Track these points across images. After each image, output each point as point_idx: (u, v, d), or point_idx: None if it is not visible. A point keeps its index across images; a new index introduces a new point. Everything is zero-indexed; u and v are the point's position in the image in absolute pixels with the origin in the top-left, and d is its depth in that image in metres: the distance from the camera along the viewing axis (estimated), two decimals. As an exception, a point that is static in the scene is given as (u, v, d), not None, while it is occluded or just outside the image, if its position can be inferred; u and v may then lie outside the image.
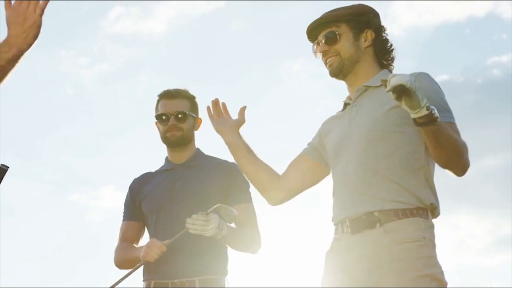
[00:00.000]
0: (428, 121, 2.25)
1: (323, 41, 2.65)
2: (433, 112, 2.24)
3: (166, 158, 3.43)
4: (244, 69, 8.50)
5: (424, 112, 2.23)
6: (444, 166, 2.44)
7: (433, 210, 2.51)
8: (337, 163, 2.61)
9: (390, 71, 2.70)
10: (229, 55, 8.28)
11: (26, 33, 2.16)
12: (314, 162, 2.76)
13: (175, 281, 3.14)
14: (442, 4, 8.91)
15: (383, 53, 2.69)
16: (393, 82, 2.18)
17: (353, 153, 2.53)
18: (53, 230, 8.04)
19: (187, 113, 3.31)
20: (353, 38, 2.64)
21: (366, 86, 2.63)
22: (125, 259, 3.27)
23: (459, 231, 9.06)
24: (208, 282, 3.14)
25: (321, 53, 2.68)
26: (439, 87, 2.56)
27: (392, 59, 2.72)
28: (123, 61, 8.83)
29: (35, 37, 2.17)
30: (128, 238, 3.37)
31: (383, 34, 2.69)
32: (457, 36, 9.08)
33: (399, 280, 2.36)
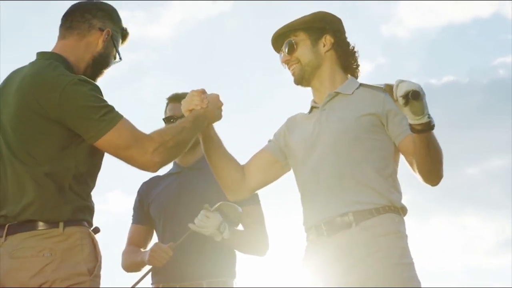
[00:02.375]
0: (426, 128, 2.30)
1: (285, 51, 2.73)
2: (431, 120, 2.29)
3: (174, 161, 3.44)
4: (250, 72, 8.51)
5: (425, 119, 2.28)
6: (426, 173, 2.48)
7: (403, 210, 2.57)
8: (305, 166, 2.63)
9: (356, 78, 2.76)
10: (234, 57, 8.30)
11: (216, 113, 2.70)
12: (275, 160, 2.77)
13: (183, 283, 3.14)
14: (447, 5, 8.91)
15: (345, 56, 2.74)
16: (405, 87, 2.22)
17: (326, 158, 2.57)
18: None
19: None
20: (311, 44, 2.72)
21: (337, 92, 2.68)
22: (131, 263, 3.28)
23: (466, 232, 9.05)
24: (216, 285, 3.15)
25: (285, 63, 2.75)
26: None
27: (357, 63, 2.76)
28: (129, 65, 8.85)
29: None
30: (135, 242, 3.38)
31: (343, 38, 2.75)
32: (462, 37, 9.09)
33: (377, 269, 2.40)
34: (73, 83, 2.35)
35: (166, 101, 3.45)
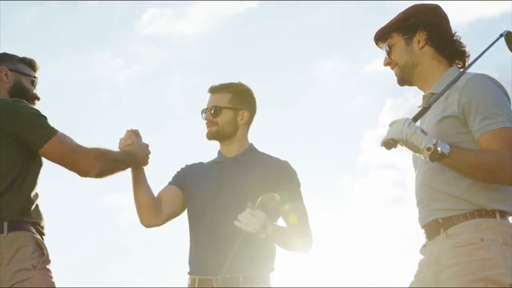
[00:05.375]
0: (438, 157, 2.28)
1: (385, 54, 2.70)
2: (438, 149, 2.26)
3: (219, 150, 3.40)
4: (277, 69, 8.50)
5: (425, 153, 2.27)
6: (483, 182, 2.42)
7: (500, 212, 2.44)
8: (415, 173, 2.66)
9: (464, 65, 2.65)
10: (262, 55, 8.30)
11: (144, 159, 3.24)
12: None
13: (219, 277, 3.09)
14: (476, 0, 8.84)
15: (442, 48, 2.63)
16: (385, 137, 2.28)
17: (418, 166, 2.60)
18: (87, 231, 8.10)
19: (221, 106, 3.29)
20: (404, 44, 2.65)
21: (431, 93, 2.59)
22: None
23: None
24: (252, 279, 3.12)
25: (387, 66, 2.71)
26: (493, 88, 2.52)
27: (460, 52, 2.64)
28: (157, 62, 8.90)
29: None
30: (160, 195, 3.32)
31: (438, 28, 2.62)
32: (491, 32, 8.99)
33: (453, 284, 2.37)
34: (24, 104, 2.91)
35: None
